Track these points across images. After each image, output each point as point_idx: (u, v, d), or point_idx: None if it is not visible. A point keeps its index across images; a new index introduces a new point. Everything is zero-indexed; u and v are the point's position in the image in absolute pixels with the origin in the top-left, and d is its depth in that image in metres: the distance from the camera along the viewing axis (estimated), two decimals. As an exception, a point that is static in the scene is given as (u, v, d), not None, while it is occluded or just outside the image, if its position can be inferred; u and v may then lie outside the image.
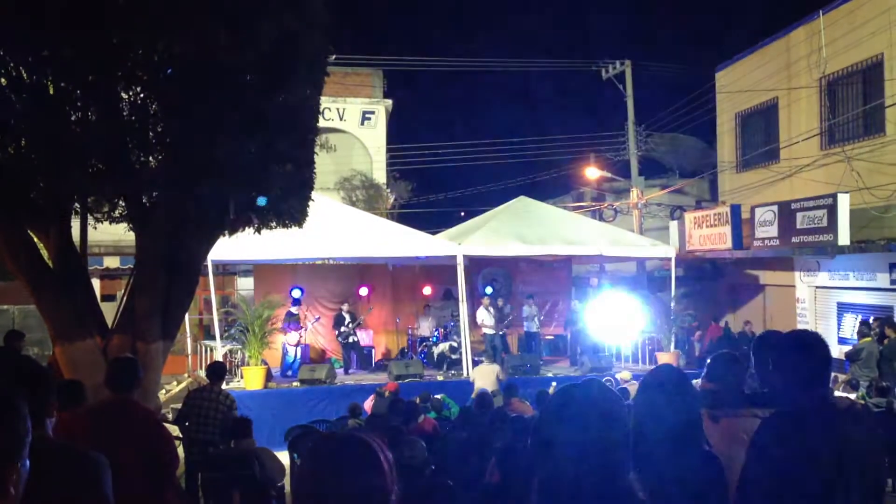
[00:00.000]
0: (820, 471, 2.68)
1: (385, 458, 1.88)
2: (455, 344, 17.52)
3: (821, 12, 18.68)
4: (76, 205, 7.83)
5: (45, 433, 2.69)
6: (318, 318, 17.99)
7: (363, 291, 18.98)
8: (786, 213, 17.51)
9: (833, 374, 17.02)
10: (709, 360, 4.04)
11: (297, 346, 16.89)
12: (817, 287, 18.93)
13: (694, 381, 3.53)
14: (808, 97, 19.30)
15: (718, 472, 2.95)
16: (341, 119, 27.43)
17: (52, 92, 6.71)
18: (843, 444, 2.75)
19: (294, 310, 17.08)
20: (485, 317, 17.99)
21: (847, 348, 15.55)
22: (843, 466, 2.70)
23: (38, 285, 7.27)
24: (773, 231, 18.02)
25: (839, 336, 18.03)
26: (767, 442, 2.81)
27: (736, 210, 19.77)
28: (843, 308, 18.19)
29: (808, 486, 2.70)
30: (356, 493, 1.80)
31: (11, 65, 6.46)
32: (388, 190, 27.67)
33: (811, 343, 3.06)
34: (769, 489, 2.76)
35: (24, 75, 6.55)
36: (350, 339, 17.70)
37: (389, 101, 28.32)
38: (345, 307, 17.71)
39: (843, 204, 15.88)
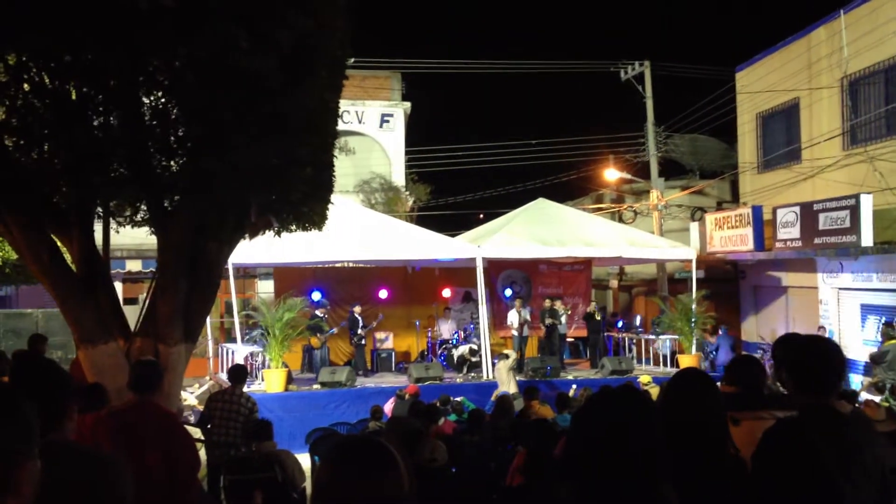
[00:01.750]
0: (823, 478, 2.65)
1: (402, 462, 1.89)
2: (475, 346, 17.51)
3: (842, 11, 18.52)
4: (98, 209, 7.90)
5: (64, 436, 2.71)
6: (344, 323, 18.04)
7: (382, 294, 19.02)
8: (808, 214, 17.38)
9: (859, 378, 16.89)
10: (728, 363, 4.03)
11: (321, 348, 16.97)
12: (840, 289, 18.75)
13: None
14: (830, 97, 19.14)
15: (746, 476, 2.92)
16: (360, 122, 27.50)
17: (74, 97, 6.77)
18: (847, 450, 2.72)
19: (319, 312, 17.15)
20: (514, 319, 17.94)
21: (871, 350, 15.41)
22: (848, 473, 2.67)
23: (62, 289, 7.33)
24: (795, 232, 17.89)
25: (863, 338, 17.87)
26: (768, 451, 2.79)
27: (757, 211, 19.65)
28: (866, 310, 18.01)
29: (811, 494, 2.67)
30: (374, 496, 1.80)
31: (34, 70, 6.53)
32: (407, 192, 27.70)
33: (825, 350, 3.04)
34: (773, 498, 2.74)
35: (47, 81, 6.61)
36: (363, 342, 17.75)
37: (408, 104, 28.35)
38: (357, 309, 17.76)
39: (866, 205, 15.75)
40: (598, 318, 19.40)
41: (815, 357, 2.97)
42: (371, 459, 1.86)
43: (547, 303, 18.61)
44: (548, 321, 18.28)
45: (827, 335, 16.46)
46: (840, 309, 18.84)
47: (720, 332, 18.83)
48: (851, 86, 18.57)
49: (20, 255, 7.58)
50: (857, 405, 9.39)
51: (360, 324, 17.51)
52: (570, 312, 19.18)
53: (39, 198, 7.14)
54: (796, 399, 2.96)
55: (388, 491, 1.82)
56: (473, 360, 17.32)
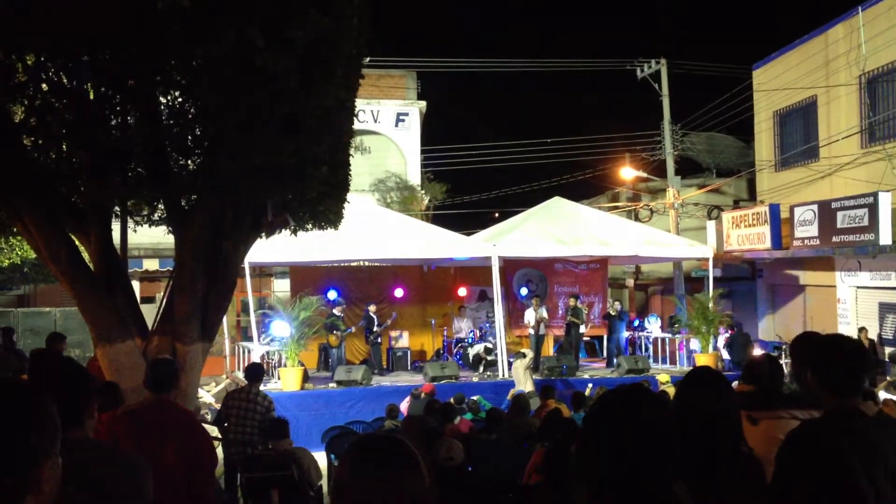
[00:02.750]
0: (847, 481, 2.63)
1: (422, 459, 1.88)
2: (490, 345, 17.49)
3: (860, 8, 18.39)
4: (116, 208, 7.94)
5: (84, 433, 2.72)
6: (362, 322, 18.06)
7: (398, 293, 19.03)
8: (826, 212, 17.27)
9: (877, 376, 16.77)
10: (746, 362, 4.00)
11: (338, 347, 17.00)
12: (858, 287, 18.63)
13: (732, 384, 3.48)
14: (848, 94, 19.01)
15: (759, 475, 2.91)
16: (376, 121, 27.54)
17: (92, 97, 6.82)
18: (872, 452, 2.70)
19: (337, 311, 17.18)
20: (531, 317, 17.92)
21: (890, 349, 15.29)
22: (873, 475, 2.64)
23: (80, 288, 7.37)
24: (812, 230, 17.78)
25: (881, 337, 17.73)
26: (792, 452, 2.77)
27: (775, 209, 19.54)
28: (885, 308, 17.89)
29: (834, 496, 2.65)
30: (394, 494, 1.80)
31: (52, 70, 6.57)
32: (423, 191, 27.71)
33: (851, 350, 3.00)
34: (795, 500, 2.71)
35: (65, 81, 6.65)
36: (378, 341, 17.78)
37: (423, 103, 28.36)
38: (371, 308, 17.79)
39: (885, 203, 15.65)
40: (614, 313, 19.30)
41: (841, 357, 2.93)
42: (391, 457, 1.85)
43: (572, 301, 18.54)
44: (569, 319, 18.26)
45: (869, 337, 16.20)
46: (858, 307, 18.71)
47: (734, 330, 18.75)
48: (869, 83, 18.44)
49: (38, 254, 7.63)
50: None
51: (376, 322, 17.55)
52: (587, 311, 19.16)
53: (58, 197, 7.19)
54: (821, 400, 2.93)
55: (409, 489, 1.82)
56: (489, 358, 17.29)
